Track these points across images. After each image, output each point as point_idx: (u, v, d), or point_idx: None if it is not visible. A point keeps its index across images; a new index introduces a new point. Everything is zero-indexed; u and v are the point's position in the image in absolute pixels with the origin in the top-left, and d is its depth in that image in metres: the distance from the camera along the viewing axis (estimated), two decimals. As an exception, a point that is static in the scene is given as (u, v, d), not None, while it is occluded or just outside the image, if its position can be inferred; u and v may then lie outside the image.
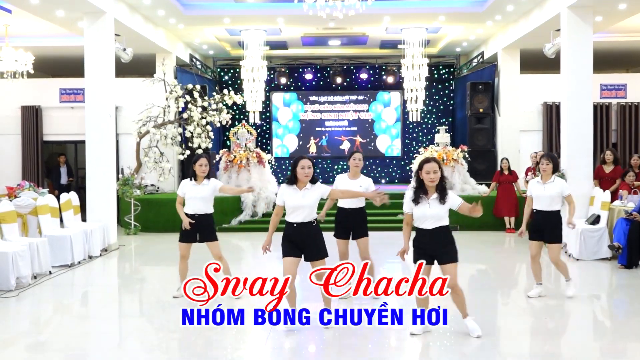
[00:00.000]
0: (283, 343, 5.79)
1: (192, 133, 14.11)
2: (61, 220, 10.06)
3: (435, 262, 5.70)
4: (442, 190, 5.56)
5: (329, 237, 6.24)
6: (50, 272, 8.72)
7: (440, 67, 18.49)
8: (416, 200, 5.55)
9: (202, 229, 7.13)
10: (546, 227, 7.01)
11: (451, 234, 5.68)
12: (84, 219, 10.89)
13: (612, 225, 9.52)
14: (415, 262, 5.65)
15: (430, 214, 5.53)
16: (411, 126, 18.35)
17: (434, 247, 5.60)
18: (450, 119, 18.33)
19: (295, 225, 5.82)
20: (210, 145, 14.47)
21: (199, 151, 14.03)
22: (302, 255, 5.91)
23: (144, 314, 7.07)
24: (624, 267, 8.97)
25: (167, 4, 12.34)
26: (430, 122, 18.39)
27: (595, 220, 9.87)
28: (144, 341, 5.91)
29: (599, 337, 6.18)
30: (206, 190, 7.12)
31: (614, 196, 10.44)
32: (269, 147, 18.36)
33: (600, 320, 6.84)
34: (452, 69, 18.51)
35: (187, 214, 7.12)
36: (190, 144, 14.20)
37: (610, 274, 8.85)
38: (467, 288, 8.16)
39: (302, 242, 5.85)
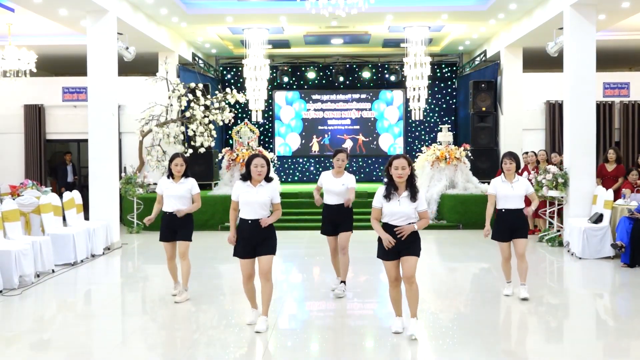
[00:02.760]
0: (285, 342, 5.81)
1: (194, 132, 14.12)
2: (64, 219, 10.08)
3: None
4: (412, 187, 5.53)
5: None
6: (53, 271, 8.74)
7: (443, 66, 18.47)
8: (388, 197, 5.51)
9: (180, 227, 7.04)
10: (515, 225, 7.00)
11: (417, 232, 5.59)
12: (86, 218, 10.90)
13: (615, 224, 9.51)
14: (381, 257, 5.63)
15: (399, 211, 5.48)
16: (414, 125, 18.34)
17: (401, 244, 5.52)
18: (452, 118, 18.32)
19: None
20: (212, 144, 14.48)
21: (202, 150, 14.08)
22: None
23: (147, 312, 7.08)
24: (627, 265, 8.96)
25: (169, 3, 12.34)
26: (432, 120, 18.37)
27: (598, 219, 9.86)
28: (147, 339, 5.92)
29: (601, 335, 6.17)
30: (184, 189, 7.06)
31: (617, 195, 10.42)
32: (271, 146, 18.37)
33: (603, 319, 6.83)
34: (454, 68, 18.49)
35: (165, 212, 7.07)
36: (192, 143, 14.20)
37: (613, 272, 8.84)
38: (470, 286, 8.18)
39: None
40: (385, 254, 5.60)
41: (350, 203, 7.20)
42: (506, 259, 7.17)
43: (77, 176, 15.95)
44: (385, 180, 5.65)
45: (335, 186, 7.20)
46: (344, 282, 7.37)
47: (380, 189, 5.65)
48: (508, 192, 6.99)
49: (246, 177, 5.88)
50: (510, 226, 7.01)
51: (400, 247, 5.55)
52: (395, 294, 5.73)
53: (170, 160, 7.13)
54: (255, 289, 6.11)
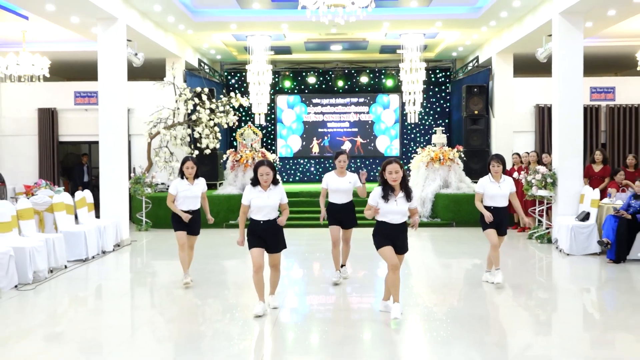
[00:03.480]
0: (287, 334, 5.81)
1: (200, 134, 14.13)
2: (76, 217, 10.08)
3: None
4: (406, 188, 5.82)
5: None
6: (65, 267, 8.74)
7: (437, 71, 18.46)
8: (386, 198, 5.75)
9: (193, 223, 7.49)
10: (501, 222, 7.29)
11: (407, 230, 5.98)
12: (97, 216, 10.90)
13: (601, 222, 9.51)
14: (380, 246, 5.84)
15: (398, 210, 5.78)
16: (409, 127, 18.34)
17: (397, 238, 5.87)
18: (446, 121, 18.31)
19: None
20: (217, 146, 14.49)
21: (207, 151, 14.08)
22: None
23: (155, 306, 7.07)
24: (613, 261, 8.96)
25: (176, 11, 12.34)
26: (427, 123, 18.37)
27: (585, 217, 9.86)
28: (155, 332, 5.92)
29: (589, 328, 6.17)
30: (198, 189, 7.50)
31: (603, 194, 10.42)
32: (273, 148, 18.36)
33: (590, 313, 6.83)
34: (448, 73, 18.48)
35: (182, 211, 7.44)
36: (198, 145, 14.22)
37: (600, 268, 8.84)
38: (463, 281, 8.18)
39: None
40: (384, 241, 5.83)
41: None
42: (495, 245, 7.33)
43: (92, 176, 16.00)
44: (380, 182, 5.86)
45: (342, 184, 7.46)
46: (344, 265, 7.80)
47: (377, 189, 5.84)
48: (495, 191, 7.26)
49: (255, 182, 6.11)
50: (495, 221, 7.25)
51: (398, 243, 5.88)
52: (395, 279, 5.89)
53: (183, 163, 7.46)
54: (264, 281, 6.23)
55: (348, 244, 7.72)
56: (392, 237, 5.83)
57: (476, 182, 7.57)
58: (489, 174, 7.32)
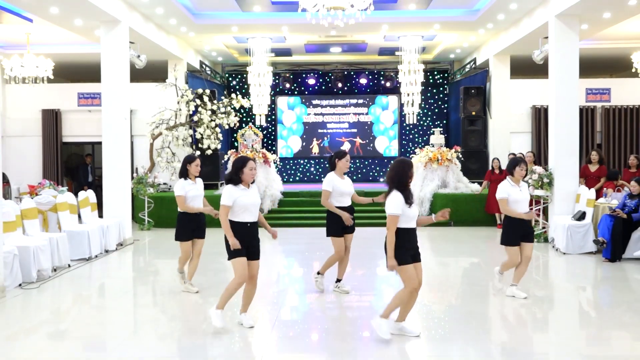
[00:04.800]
0: (288, 332, 5.81)
1: (202, 135, 14.13)
2: (79, 217, 10.08)
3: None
4: (410, 191, 5.33)
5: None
6: (69, 265, 8.74)
7: (435, 73, 18.46)
8: (409, 202, 5.21)
9: (198, 226, 7.11)
10: (526, 230, 6.67)
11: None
12: (100, 216, 10.90)
13: (597, 221, 9.51)
14: (405, 262, 5.23)
15: (414, 214, 5.27)
16: (408, 128, 18.33)
17: (415, 245, 5.35)
18: (444, 122, 18.31)
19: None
20: (219, 146, 14.49)
21: (209, 152, 14.08)
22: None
23: (157, 304, 7.08)
24: (608, 260, 8.96)
25: (178, 14, 12.34)
26: (425, 124, 18.36)
27: (581, 216, 9.86)
28: (157, 329, 5.92)
29: (584, 326, 6.17)
30: (201, 188, 7.09)
31: (599, 194, 10.43)
32: (274, 148, 18.36)
33: (586, 311, 6.83)
34: (446, 74, 18.48)
35: (185, 212, 6.99)
36: (200, 145, 14.22)
37: (595, 267, 8.84)
38: (460, 280, 8.18)
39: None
40: (408, 257, 5.27)
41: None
42: (516, 264, 6.74)
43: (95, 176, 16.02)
44: (396, 186, 5.27)
45: (347, 187, 6.88)
46: (340, 279, 7.19)
47: (397, 195, 5.20)
48: (518, 196, 6.59)
49: (238, 180, 5.54)
50: (521, 230, 6.64)
51: (416, 250, 5.36)
52: (413, 300, 5.43)
53: (191, 162, 6.99)
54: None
55: (348, 253, 7.08)
56: (412, 245, 5.27)
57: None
58: (507, 178, 6.71)
